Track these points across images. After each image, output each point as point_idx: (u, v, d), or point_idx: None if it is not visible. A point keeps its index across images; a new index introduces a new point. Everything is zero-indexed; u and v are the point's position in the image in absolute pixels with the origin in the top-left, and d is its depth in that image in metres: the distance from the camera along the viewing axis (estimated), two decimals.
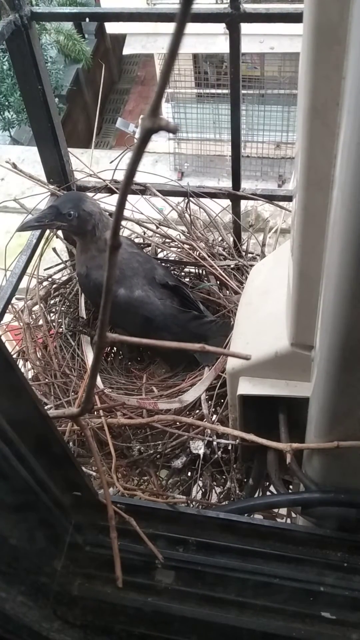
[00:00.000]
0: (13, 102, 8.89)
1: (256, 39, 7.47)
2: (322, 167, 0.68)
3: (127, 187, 0.38)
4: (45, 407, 1.42)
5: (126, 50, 9.20)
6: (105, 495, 0.81)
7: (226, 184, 1.85)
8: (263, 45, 7.80)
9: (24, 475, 0.74)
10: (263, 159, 8.91)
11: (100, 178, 1.80)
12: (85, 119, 10.29)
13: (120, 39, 9.52)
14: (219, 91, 8.83)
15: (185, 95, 9.49)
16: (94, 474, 1.27)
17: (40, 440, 0.76)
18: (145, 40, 8.79)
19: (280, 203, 1.72)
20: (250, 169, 8.42)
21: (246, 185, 1.77)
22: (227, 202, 1.85)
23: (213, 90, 9.13)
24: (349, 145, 0.59)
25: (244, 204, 1.85)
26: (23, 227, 1.55)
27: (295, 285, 0.88)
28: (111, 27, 8.99)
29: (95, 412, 1.33)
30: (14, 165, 1.72)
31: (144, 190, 1.77)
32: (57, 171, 1.71)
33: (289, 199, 1.72)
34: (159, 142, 9.23)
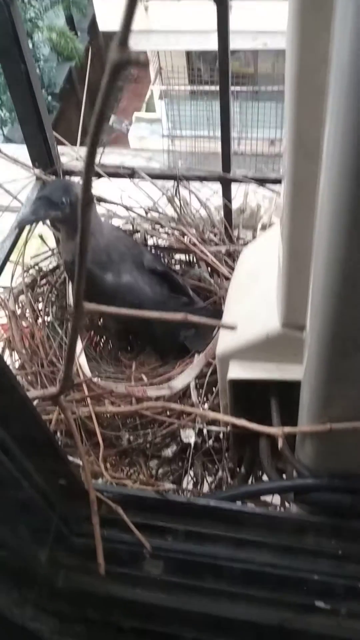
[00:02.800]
0: (5, 101, 8.82)
1: (249, 35, 7.42)
2: (311, 136, 0.64)
3: (99, 124, 0.34)
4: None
5: None
6: (86, 479, 0.78)
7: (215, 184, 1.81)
8: (256, 42, 7.75)
9: (5, 463, 0.70)
10: (257, 157, 8.88)
11: None
12: (78, 117, 10.16)
13: (113, 36, 9.43)
14: (213, 88, 8.77)
15: (179, 93, 9.44)
16: (81, 463, 1.23)
17: (21, 425, 0.73)
18: (138, 38, 8.71)
19: (273, 187, 1.68)
20: (244, 166, 8.36)
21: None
22: (217, 188, 1.81)
23: (207, 87, 9.07)
24: (338, 110, 0.56)
25: (236, 204, 1.82)
26: (21, 224, 1.50)
27: (285, 264, 0.85)
28: (104, 24, 8.92)
29: (83, 401, 1.29)
30: None
31: (132, 174, 1.73)
32: (42, 155, 1.66)
33: (280, 182, 1.68)
34: (153, 139, 9.19)
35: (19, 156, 1.76)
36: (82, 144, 1.85)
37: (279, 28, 7.12)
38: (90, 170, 0.38)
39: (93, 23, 10.03)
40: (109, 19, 8.77)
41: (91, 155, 0.36)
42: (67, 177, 1.76)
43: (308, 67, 0.60)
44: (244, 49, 8.32)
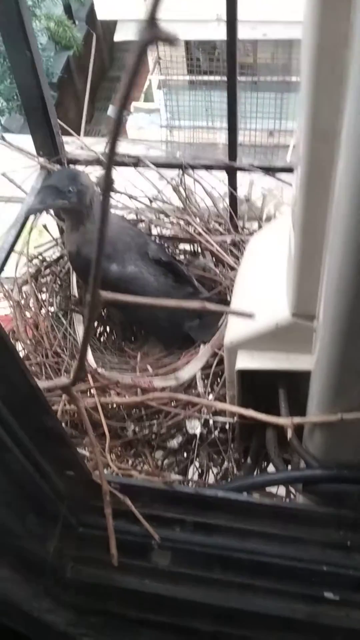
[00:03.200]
0: (3, 90, 8.75)
1: (249, 25, 7.36)
2: (328, 116, 0.63)
3: (124, 103, 0.33)
4: None
5: (117, 37, 9.05)
6: (98, 470, 0.77)
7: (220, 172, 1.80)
8: (256, 31, 7.69)
9: (16, 453, 0.69)
10: (256, 147, 8.83)
11: (92, 150, 1.74)
12: (76, 107, 10.11)
13: (111, 26, 9.35)
14: (212, 78, 8.70)
15: (178, 83, 9.38)
16: (88, 454, 1.23)
17: (32, 415, 0.72)
18: (136, 27, 8.63)
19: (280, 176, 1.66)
20: (242, 156, 8.29)
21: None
22: (223, 177, 1.80)
23: (205, 77, 8.99)
24: (357, 92, 0.55)
25: (241, 193, 1.81)
26: (29, 212, 1.48)
27: (298, 252, 0.83)
28: (102, 13, 8.85)
29: (88, 391, 1.28)
30: (2, 137, 1.66)
31: (136, 162, 1.72)
32: (47, 143, 1.65)
33: (287, 170, 1.67)
34: (151, 129, 9.13)
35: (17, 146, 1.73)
36: (86, 133, 1.83)
37: (278, 18, 7.09)
38: (113, 156, 0.37)
39: (91, 12, 9.95)
40: (107, 8, 8.71)
41: (114, 140, 0.35)
42: (71, 166, 1.75)
43: (327, 50, 0.59)
44: (243, 39, 8.25)
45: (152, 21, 0.30)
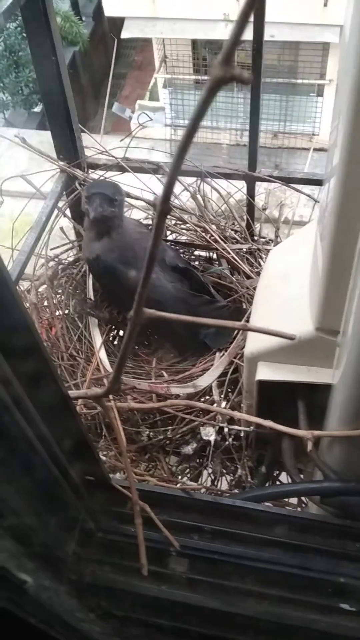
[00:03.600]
0: (8, 84, 8.77)
1: None
2: None
3: (188, 141, 0.34)
4: None
5: (124, 34, 9.06)
6: (129, 479, 0.78)
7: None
8: None
9: (45, 458, 0.71)
10: (260, 148, 8.81)
11: (112, 156, 1.75)
12: (82, 102, 10.13)
13: (118, 23, 9.37)
14: None
15: (183, 81, 9.39)
16: (104, 458, 1.24)
17: (61, 420, 0.73)
18: (144, 25, 8.66)
19: (298, 186, 1.67)
20: (245, 157, 8.27)
21: None
22: (239, 186, 1.81)
23: None
24: None
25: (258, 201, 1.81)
26: (96, 219, 1.42)
27: (326, 270, 0.84)
28: (110, 10, 8.87)
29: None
30: (24, 140, 1.67)
31: (156, 169, 1.73)
32: (68, 147, 1.66)
33: (306, 181, 1.68)
34: (156, 128, 9.14)
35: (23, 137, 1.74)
36: (89, 130, 1.83)
37: (286, 19, 7.07)
38: (173, 184, 0.38)
39: (98, 8, 9.96)
40: (115, 5, 8.72)
41: (174, 173, 0.36)
42: (90, 171, 1.76)
43: None
44: (250, 39, 8.23)
45: (227, 60, 0.32)
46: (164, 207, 0.40)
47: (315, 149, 7.90)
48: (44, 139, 1.83)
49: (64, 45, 9.65)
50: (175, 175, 0.38)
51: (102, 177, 1.75)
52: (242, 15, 0.30)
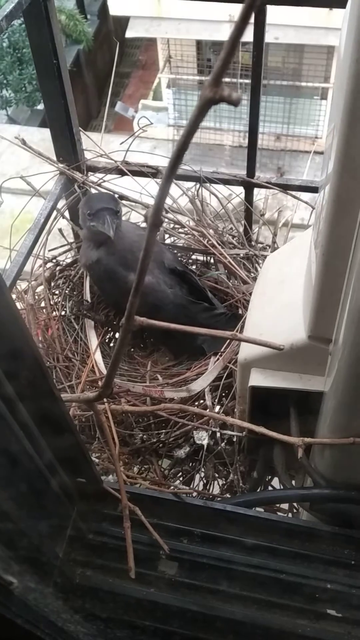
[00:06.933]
0: (11, 81, 8.77)
1: None
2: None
3: (179, 158, 0.35)
4: None
5: (129, 34, 9.08)
6: (119, 482, 0.79)
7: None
8: (267, 34, 7.67)
9: (36, 459, 0.71)
10: (262, 150, 8.84)
11: (111, 159, 1.76)
12: (84, 101, 10.13)
13: (123, 22, 9.38)
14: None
15: (187, 82, 9.39)
16: (97, 460, 1.25)
17: (52, 424, 0.74)
18: (148, 24, 8.67)
19: (295, 193, 1.68)
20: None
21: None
22: (238, 190, 1.81)
23: None
24: None
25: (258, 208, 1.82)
26: (108, 233, 1.45)
27: (319, 278, 0.85)
28: (115, 8, 8.88)
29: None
30: (23, 142, 1.68)
31: (155, 173, 1.74)
32: (68, 149, 1.67)
33: (304, 189, 1.69)
34: (159, 128, 9.15)
35: (23, 138, 1.74)
36: (92, 128, 1.84)
37: (291, 22, 7.08)
38: (164, 199, 0.39)
39: (103, 7, 9.96)
40: (120, 4, 8.72)
41: (164, 191, 0.37)
42: (90, 174, 1.77)
43: None
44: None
45: (216, 81, 0.32)
46: (154, 219, 0.41)
47: (316, 152, 7.91)
48: (45, 136, 1.83)
49: (68, 44, 9.70)
50: (165, 192, 0.39)
51: (100, 180, 1.76)
52: (232, 40, 0.31)
